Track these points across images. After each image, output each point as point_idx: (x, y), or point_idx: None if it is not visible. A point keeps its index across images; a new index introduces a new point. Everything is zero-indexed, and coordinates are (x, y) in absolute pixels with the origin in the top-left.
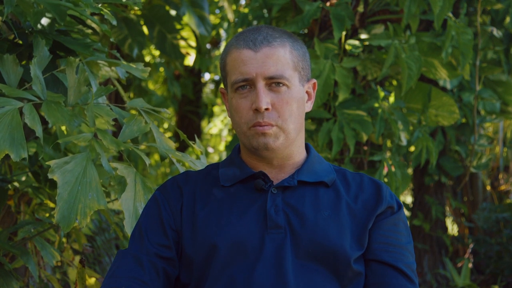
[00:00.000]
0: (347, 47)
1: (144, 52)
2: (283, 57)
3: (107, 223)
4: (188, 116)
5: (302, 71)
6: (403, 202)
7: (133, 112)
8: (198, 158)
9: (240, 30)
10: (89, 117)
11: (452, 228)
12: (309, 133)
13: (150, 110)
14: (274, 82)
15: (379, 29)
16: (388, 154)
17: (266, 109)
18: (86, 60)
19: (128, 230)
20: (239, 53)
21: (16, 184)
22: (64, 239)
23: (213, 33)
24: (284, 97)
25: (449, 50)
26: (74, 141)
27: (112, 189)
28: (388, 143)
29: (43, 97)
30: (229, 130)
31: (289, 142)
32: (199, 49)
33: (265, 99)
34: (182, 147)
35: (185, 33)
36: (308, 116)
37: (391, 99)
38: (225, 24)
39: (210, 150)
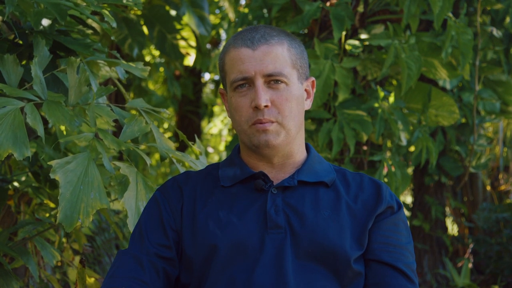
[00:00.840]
0: (347, 47)
1: (144, 52)
2: (281, 55)
3: (107, 223)
4: (188, 116)
5: (301, 69)
6: (403, 202)
7: (134, 112)
8: (197, 158)
9: (240, 30)
10: (91, 117)
11: (452, 228)
12: (309, 133)
13: (150, 110)
14: (272, 80)
15: (379, 29)
16: (388, 154)
17: (266, 106)
18: (86, 60)
19: (131, 228)
20: (237, 52)
21: (16, 184)
22: (64, 239)
23: (213, 33)
24: (283, 94)
25: (449, 50)
26: (75, 140)
27: (112, 189)
28: (388, 143)
29: (43, 97)
30: (229, 130)
31: (289, 139)
32: (199, 49)
33: (264, 96)
34: (182, 147)
35: (185, 33)
36: (308, 116)
37: (391, 99)
38: (225, 24)
39: (210, 150)
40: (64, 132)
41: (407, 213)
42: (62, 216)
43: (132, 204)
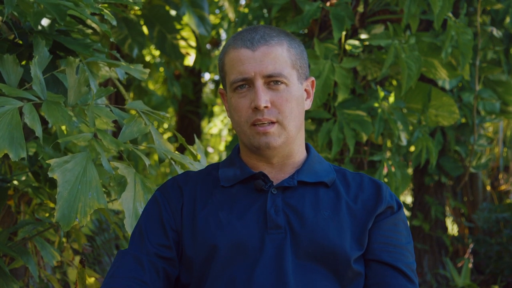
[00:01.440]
0: (347, 47)
1: (144, 52)
2: (280, 56)
3: (107, 223)
4: (188, 116)
5: (300, 69)
6: (403, 202)
7: (133, 112)
8: (196, 160)
9: (240, 30)
10: (90, 118)
11: (452, 228)
12: (309, 133)
13: (150, 112)
14: (272, 80)
15: (379, 29)
16: (388, 154)
17: (266, 107)
18: (86, 60)
19: (128, 229)
20: (237, 52)
21: (16, 184)
22: (64, 239)
23: (213, 33)
24: (283, 95)
25: (449, 50)
26: (74, 140)
27: (112, 189)
28: (388, 143)
29: (43, 97)
30: (229, 130)
31: (290, 140)
32: (199, 49)
33: (264, 97)
34: (182, 147)
35: (185, 33)
36: (308, 116)
37: (391, 99)
38: (225, 24)
39: (210, 150)
40: (65, 132)
41: (407, 213)
42: (60, 215)
43: (129, 205)
